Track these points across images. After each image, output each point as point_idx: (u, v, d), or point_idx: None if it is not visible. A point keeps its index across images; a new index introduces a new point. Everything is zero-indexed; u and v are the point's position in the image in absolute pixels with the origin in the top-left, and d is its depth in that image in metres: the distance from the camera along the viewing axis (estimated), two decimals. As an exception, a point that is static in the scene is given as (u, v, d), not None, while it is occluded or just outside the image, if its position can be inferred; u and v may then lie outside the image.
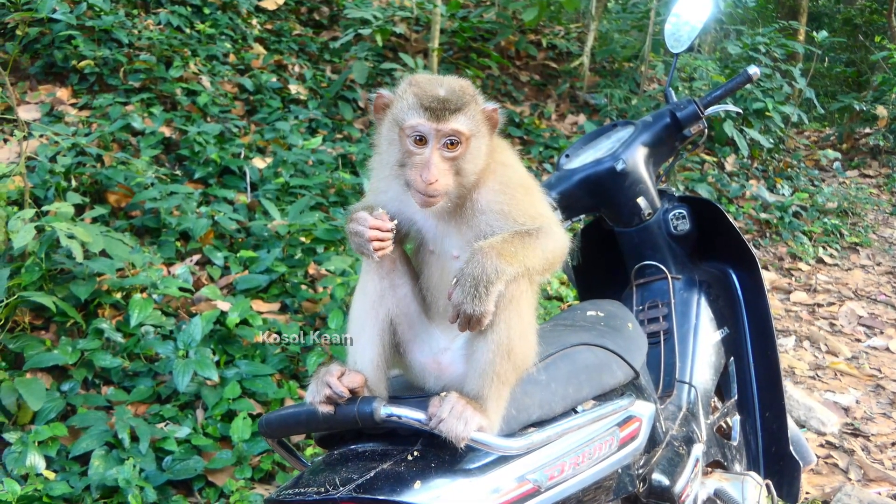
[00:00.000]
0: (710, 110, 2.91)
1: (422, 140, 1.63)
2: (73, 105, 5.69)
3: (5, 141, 5.03)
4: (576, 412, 1.82)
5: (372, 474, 1.49)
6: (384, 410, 1.52)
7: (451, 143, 1.63)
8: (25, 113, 5.35)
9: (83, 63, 5.84)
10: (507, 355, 1.62)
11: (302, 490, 1.49)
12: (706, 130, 2.93)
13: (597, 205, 2.94)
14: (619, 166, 2.79)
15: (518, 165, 1.80)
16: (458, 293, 1.55)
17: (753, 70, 2.86)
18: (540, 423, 1.73)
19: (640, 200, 2.86)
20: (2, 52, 5.72)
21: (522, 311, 1.65)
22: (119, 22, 6.31)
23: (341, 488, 1.46)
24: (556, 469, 1.69)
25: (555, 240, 1.70)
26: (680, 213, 2.88)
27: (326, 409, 1.58)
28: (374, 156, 1.77)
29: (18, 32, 5.77)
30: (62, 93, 5.75)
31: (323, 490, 1.46)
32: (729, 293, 2.98)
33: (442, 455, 1.57)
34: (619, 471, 1.90)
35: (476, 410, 1.56)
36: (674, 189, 3.04)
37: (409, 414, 1.53)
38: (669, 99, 3.00)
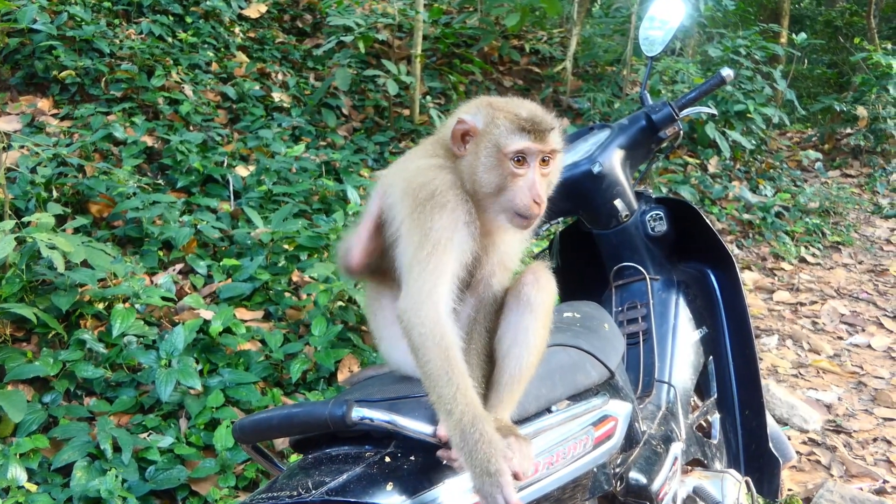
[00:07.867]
0: (686, 112, 2.93)
1: (521, 161, 1.65)
2: (54, 116, 5.68)
3: (-14, 153, 5.01)
4: (550, 412, 1.83)
5: (344, 477, 1.50)
6: (356, 413, 1.53)
7: (545, 161, 1.69)
8: (6, 124, 5.33)
9: (64, 73, 5.83)
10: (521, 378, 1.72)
11: (275, 494, 1.49)
12: (681, 132, 2.95)
13: (575, 207, 2.96)
14: (596, 169, 2.81)
15: None
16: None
17: (727, 72, 2.88)
18: (514, 423, 1.74)
19: (618, 202, 2.88)
20: (-18, 63, 5.71)
21: (532, 342, 1.73)
22: (100, 32, 6.31)
23: (314, 491, 1.47)
24: None
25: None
26: (657, 214, 2.90)
27: None
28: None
29: (-2, 44, 5.77)
30: (43, 103, 5.74)
31: (296, 494, 1.47)
32: (707, 293, 3.00)
33: (416, 456, 1.57)
34: (595, 469, 1.91)
35: None
36: (651, 191, 3.06)
37: (381, 416, 1.54)
38: (645, 102, 3.03)
